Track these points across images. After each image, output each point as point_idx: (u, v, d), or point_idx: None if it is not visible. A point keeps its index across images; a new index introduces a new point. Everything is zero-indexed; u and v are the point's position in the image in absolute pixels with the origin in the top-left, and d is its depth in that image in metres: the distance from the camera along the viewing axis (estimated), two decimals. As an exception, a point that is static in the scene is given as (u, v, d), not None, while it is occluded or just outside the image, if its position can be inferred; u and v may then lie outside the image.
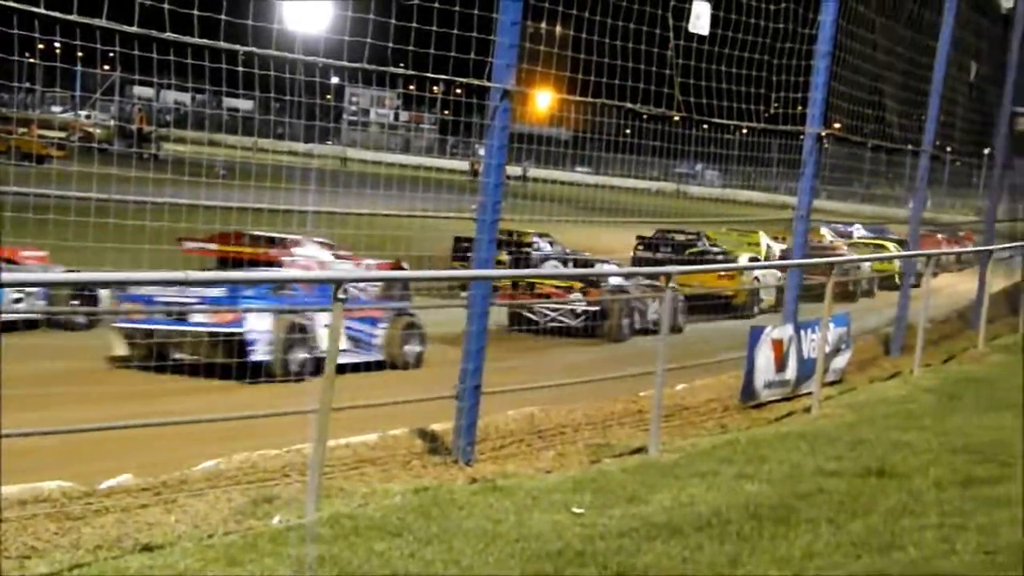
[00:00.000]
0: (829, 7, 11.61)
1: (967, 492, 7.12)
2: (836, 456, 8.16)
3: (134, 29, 6.53)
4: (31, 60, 7.62)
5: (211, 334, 11.96)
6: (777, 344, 10.88)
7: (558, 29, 10.09)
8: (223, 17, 7.11)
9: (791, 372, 11.11)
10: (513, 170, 13.90)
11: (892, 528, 6.31)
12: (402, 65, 7.88)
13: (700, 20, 10.49)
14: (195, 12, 6.89)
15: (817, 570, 5.63)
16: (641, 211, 15.63)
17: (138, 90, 17.53)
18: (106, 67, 7.96)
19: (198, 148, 13.00)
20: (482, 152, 8.66)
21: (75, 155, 8.18)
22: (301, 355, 12.32)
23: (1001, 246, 18.98)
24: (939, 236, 32.36)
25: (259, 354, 11.82)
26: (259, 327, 11.73)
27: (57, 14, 6.27)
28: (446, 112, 14.38)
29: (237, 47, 7.10)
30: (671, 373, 9.37)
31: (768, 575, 5.55)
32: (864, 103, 13.51)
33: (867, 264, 24.23)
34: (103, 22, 6.41)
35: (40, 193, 7.12)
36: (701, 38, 10.64)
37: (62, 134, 16.79)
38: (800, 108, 11.78)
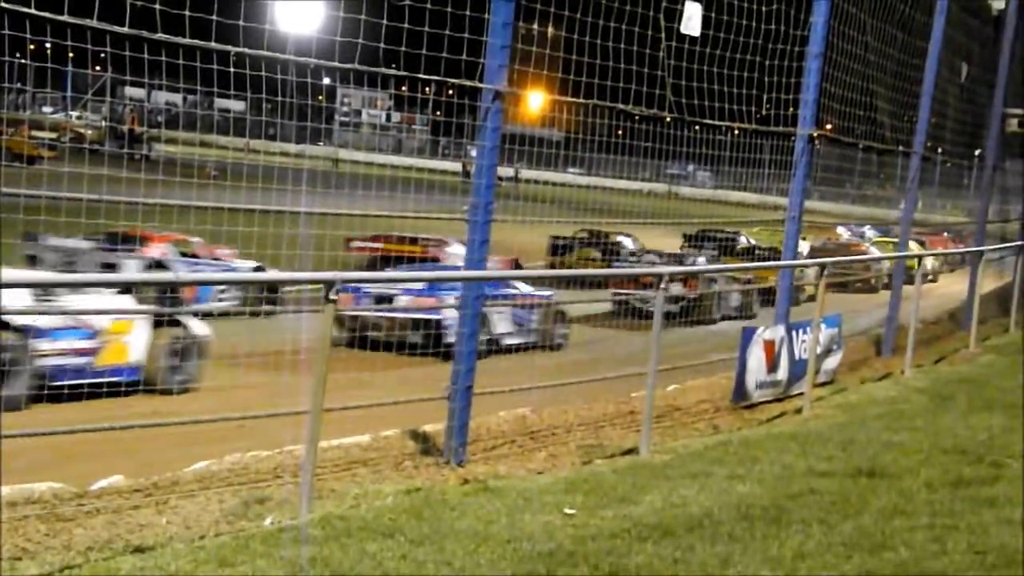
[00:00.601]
0: (820, 8, 11.63)
1: (958, 492, 7.14)
2: (827, 457, 8.17)
3: (125, 30, 6.52)
4: (22, 60, 7.61)
5: (414, 320, 13.89)
6: (769, 345, 10.90)
7: (550, 30, 10.09)
8: (214, 18, 7.09)
9: (783, 373, 11.13)
10: (505, 171, 13.96)
11: (883, 528, 6.32)
12: (394, 66, 7.87)
13: (691, 21, 10.50)
14: (186, 13, 6.87)
15: (808, 570, 5.64)
16: (633, 212, 15.66)
17: (129, 91, 17.50)
18: (97, 68, 7.94)
19: (190, 149, 13.00)
20: (474, 153, 8.66)
21: (66, 156, 8.15)
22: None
23: (992, 247, 19.04)
24: (945, 235, 32.56)
25: (450, 336, 12.81)
26: (451, 314, 12.57)
27: (48, 14, 6.26)
28: (438, 113, 14.39)
29: (229, 48, 7.08)
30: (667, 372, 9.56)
31: (759, 575, 5.55)
32: (855, 104, 13.53)
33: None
34: (94, 22, 6.40)
35: (31, 194, 7.10)
36: (692, 39, 10.66)
37: (53, 135, 16.76)
38: (792, 109, 11.79)
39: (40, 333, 10.21)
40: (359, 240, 15.23)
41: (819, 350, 11.25)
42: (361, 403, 8.60)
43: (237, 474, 7.58)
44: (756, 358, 10.76)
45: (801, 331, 11.35)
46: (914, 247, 27.98)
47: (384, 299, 14.78)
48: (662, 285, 8.70)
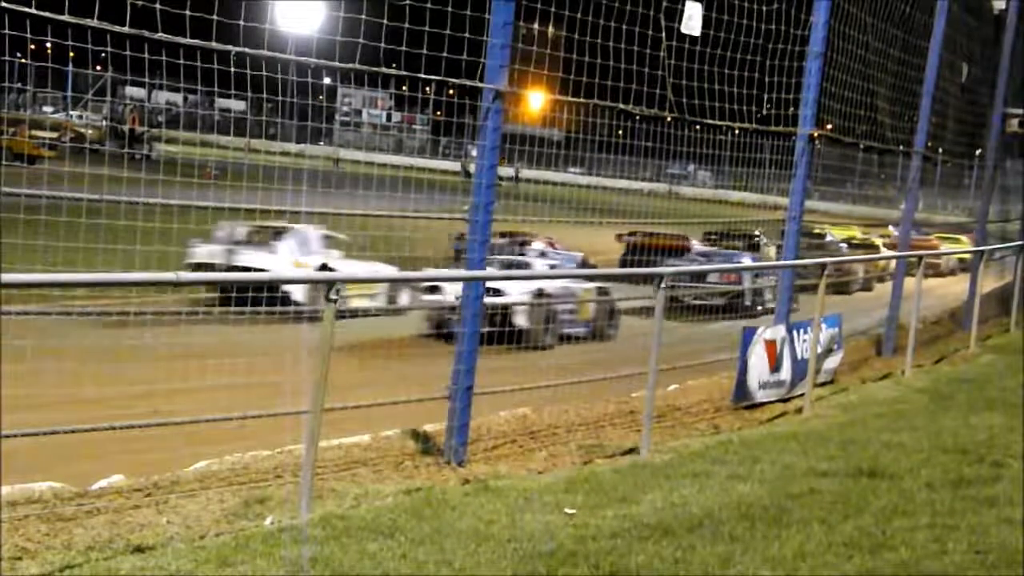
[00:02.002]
0: (821, 8, 11.62)
1: (958, 492, 7.14)
2: (828, 457, 8.17)
3: (126, 29, 6.52)
4: (22, 60, 7.61)
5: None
6: (770, 344, 10.89)
7: (550, 30, 10.09)
8: (215, 17, 7.09)
9: (786, 373, 11.12)
10: (506, 171, 13.98)
11: (884, 528, 6.32)
12: (394, 66, 7.87)
13: (692, 21, 10.49)
14: (187, 12, 6.88)
15: (809, 570, 5.64)
16: (634, 212, 15.66)
17: (130, 90, 17.51)
18: (98, 67, 7.95)
19: (190, 148, 13.00)
20: (474, 153, 8.65)
21: (67, 156, 8.15)
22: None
23: (993, 247, 19.03)
24: (963, 238, 32.61)
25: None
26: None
27: (48, 14, 6.26)
28: (438, 113, 14.39)
29: (229, 47, 7.08)
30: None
31: (760, 575, 5.55)
32: (856, 104, 13.53)
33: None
34: (95, 22, 6.40)
35: (31, 194, 7.10)
36: (693, 39, 10.65)
37: (54, 134, 16.76)
38: (792, 109, 11.78)
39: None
40: (626, 234, 17.89)
41: (820, 350, 11.25)
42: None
43: (237, 474, 7.59)
44: (758, 358, 10.76)
45: (802, 331, 11.35)
46: (965, 242, 28.87)
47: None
48: (662, 285, 8.71)
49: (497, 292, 14.06)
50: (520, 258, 18.28)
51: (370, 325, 14.00)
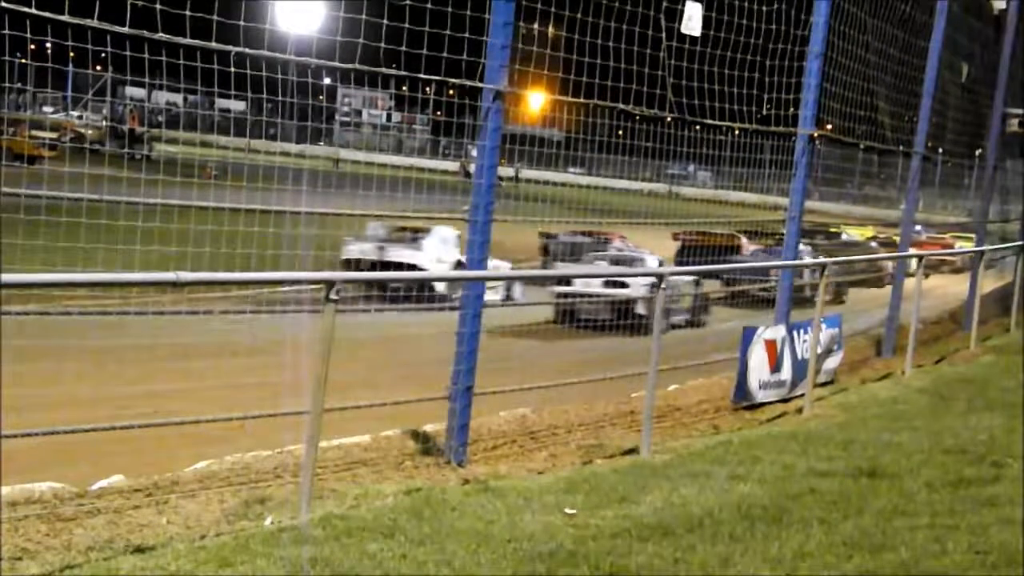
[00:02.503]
0: (821, 8, 11.62)
1: (958, 492, 7.14)
2: (828, 457, 8.17)
3: (126, 29, 6.52)
4: (22, 60, 7.60)
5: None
6: (770, 344, 10.89)
7: (550, 30, 10.08)
8: (215, 17, 7.09)
9: (787, 373, 11.12)
10: (506, 171, 14.02)
11: (884, 528, 6.32)
12: (394, 66, 7.87)
13: (692, 21, 10.49)
14: (187, 12, 6.88)
15: (809, 570, 5.64)
16: (633, 212, 15.68)
17: (130, 91, 17.50)
18: (98, 67, 7.94)
19: (190, 149, 13.01)
20: (474, 153, 8.66)
21: (67, 156, 8.16)
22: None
23: (993, 247, 19.03)
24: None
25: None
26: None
27: (48, 14, 6.26)
28: (438, 113, 14.40)
29: (229, 48, 7.08)
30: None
31: (760, 575, 5.55)
32: (856, 104, 13.52)
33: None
34: (95, 22, 6.40)
35: (31, 194, 7.10)
36: (693, 39, 10.65)
37: (54, 135, 16.74)
38: (792, 109, 11.78)
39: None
40: (682, 233, 18.32)
41: (820, 350, 11.24)
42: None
43: (237, 474, 7.58)
44: (758, 358, 10.75)
45: (802, 331, 11.34)
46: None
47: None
48: (663, 285, 8.73)
49: (623, 285, 16.25)
50: (631, 254, 19.52)
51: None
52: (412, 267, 18.12)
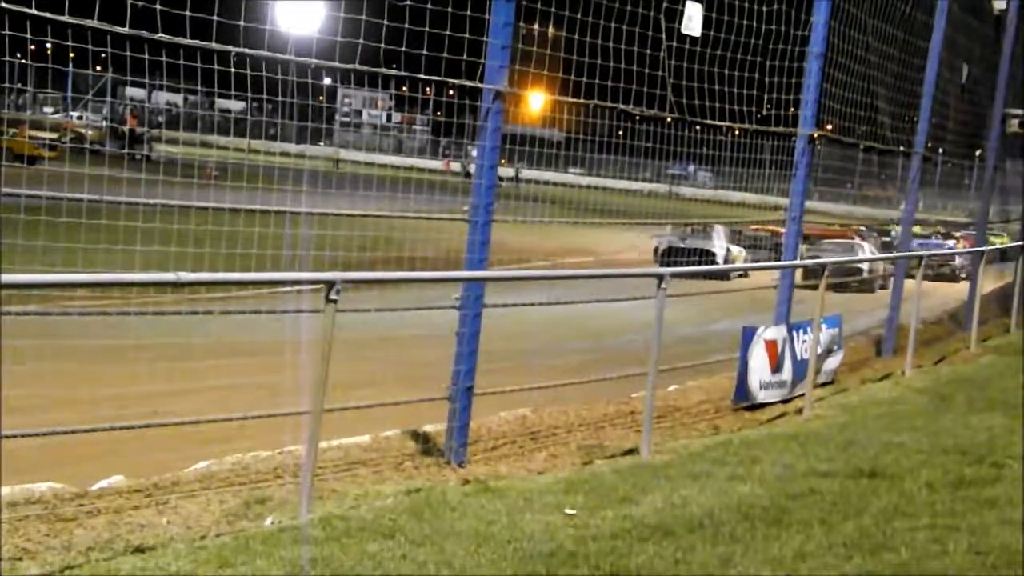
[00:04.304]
0: (821, 8, 11.62)
1: (959, 493, 7.14)
2: (828, 457, 8.16)
3: (126, 30, 6.52)
4: (22, 61, 7.60)
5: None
6: (771, 344, 10.89)
7: (550, 30, 10.08)
8: (215, 18, 7.09)
9: (787, 373, 11.12)
10: (506, 171, 14.02)
11: (884, 529, 6.32)
12: (394, 66, 7.86)
13: (692, 22, 10.49)
14: (187, 13, 6.88)
15: (809, 571, 5.64)
16: (633, 212, 15.69)
17: (130, 91, 17.45)
18: (98, 68, 7.94)
19: (190, 149, 12.99)
20: (474, 153, 8.66)
21: (67, 156, 8.16)
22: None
23: (993, 247, 19.03)
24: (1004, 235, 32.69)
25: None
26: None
27: (48, 14, 6.26)
28: (438, 113, 14.40)
29: (229, 48, 7.08)
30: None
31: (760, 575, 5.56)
32: (856, 104, 13.53)
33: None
34: (95, 23, 6.40)
35: (31, 194, 7.10)
36: (693, 40, 10.65)
37: (54, 135, 16.73)
38: (792, 109, 11.78)
39: None
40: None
41: (820, 350, 11.24)
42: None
43: (237, 474, 7.59)
44: (758, 358, 10.75)
45: (802, 331, 11.34)
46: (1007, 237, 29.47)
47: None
48: (662, 286, 8.71)
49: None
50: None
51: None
52: (706, 252, 24.15)
